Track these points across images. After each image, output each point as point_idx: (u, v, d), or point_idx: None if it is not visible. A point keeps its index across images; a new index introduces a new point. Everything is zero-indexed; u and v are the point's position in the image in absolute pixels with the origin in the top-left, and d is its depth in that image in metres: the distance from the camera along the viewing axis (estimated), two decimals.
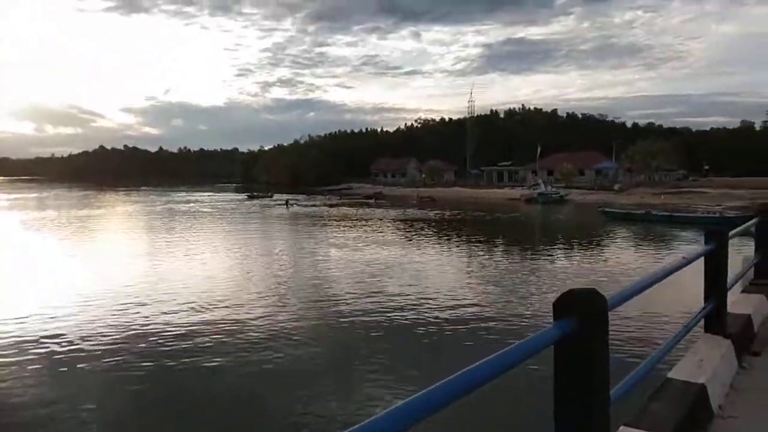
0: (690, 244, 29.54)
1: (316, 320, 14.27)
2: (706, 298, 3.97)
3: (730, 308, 4.66)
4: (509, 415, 8.21)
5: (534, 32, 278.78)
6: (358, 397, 9.42)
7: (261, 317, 14.39)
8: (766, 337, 4.55)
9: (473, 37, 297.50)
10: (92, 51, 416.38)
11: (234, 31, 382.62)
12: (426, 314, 14.55)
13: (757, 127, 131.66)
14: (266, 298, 16.81)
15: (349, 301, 16.15)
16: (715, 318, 3.94)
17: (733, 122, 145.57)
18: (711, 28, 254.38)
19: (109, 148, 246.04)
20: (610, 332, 2.10)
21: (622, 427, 2.63)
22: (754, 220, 5.94)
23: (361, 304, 15.67)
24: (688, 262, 3.21)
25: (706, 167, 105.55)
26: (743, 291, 5.50)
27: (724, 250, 3.97)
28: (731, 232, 4.29)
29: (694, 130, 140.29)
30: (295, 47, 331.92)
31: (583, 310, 1.91)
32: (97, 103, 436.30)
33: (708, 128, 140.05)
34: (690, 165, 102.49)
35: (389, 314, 14.56)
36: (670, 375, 3.28)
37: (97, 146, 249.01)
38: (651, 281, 2.78)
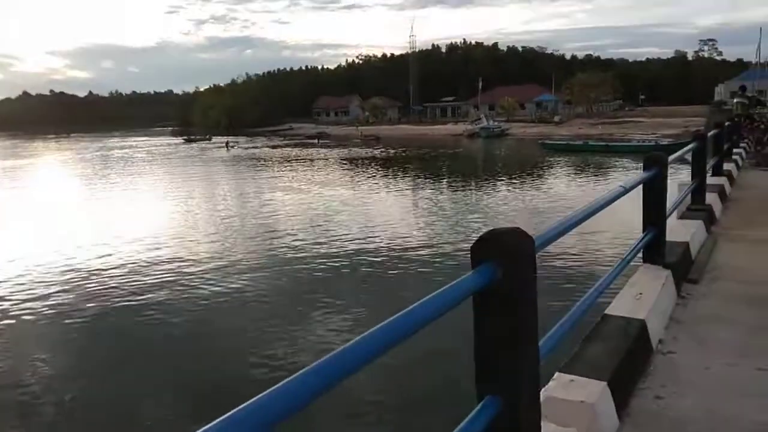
0: (627, 172, 30.34)
1: (263, 263, 13.87)
2: (645, 227, 3.76)
3: (668, 236, 4.50)
4: (427, 376, 7.46)
5: None
6: (306, 336, 9.28)
7: (208, 263, 13.80)
8: (703, 264, 4.43)
9: None
10: None
11: None
12: (371, 253, 14.32)
13: (690, 56, 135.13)
14: (213, 244, 16.13)
15: (295, 243, 15.70)
16: (654, 248, 3.74)
17: (667, 53, 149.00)
18: None
19: (34, 93, 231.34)
20: (542, 272, 1.78)
21: (557, 374, 2.38)
22: (690, 146, 5.78)
23: (308, 246, 15.31)
24: (626, 190, 2.93)
25: (642, 97, 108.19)
26: (680, 218, 5.38)
27: (664, 177, 3.74)
28: (670, 158, 4.07)
29: (630, 60, 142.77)
30: None
31: (506, 253, 1.56)
32: (16, 46, 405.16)
33: (644, 59, 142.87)
34: (627, 95, 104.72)
35: (336, 255, 14.28)
36: (607, 311, 3.06)
37: (20, 92, 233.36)
38: (585, 215, 2.48)
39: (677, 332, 3.20)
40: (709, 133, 7.01)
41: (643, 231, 3.73)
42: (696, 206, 5.84)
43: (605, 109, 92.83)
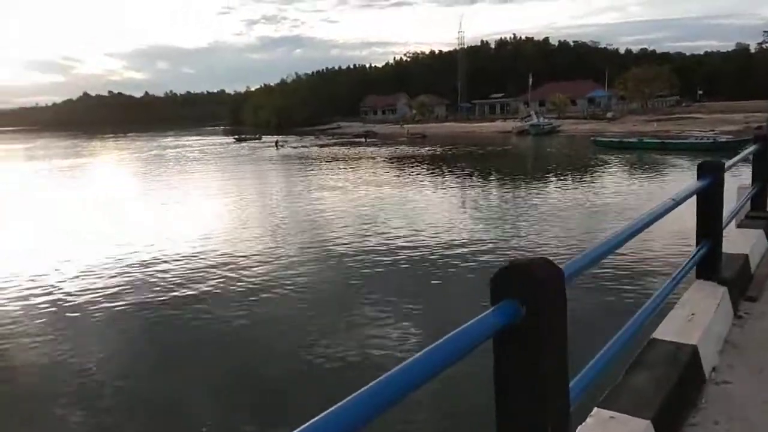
0: (683, 171, 29.17)
1: (310, 261, 14.06)
2: (699, 239, 3.48)
3: (724, 248, 4.19)
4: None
5: None
6: (357, 334, 9.37)
7: (259, 261, 14.15)
8: (763, 278, 4.09)
9: None
10: None
11: None
12: (420, 253, 14.29)
13: (752, 49, 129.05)
14: (263, 242, 16.45)
15: (344, 242, 15.85)
16: (708, 262, 3.46)
17: (727, 46, 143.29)
18: None
19: (93, 94, 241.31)
20: (577, 294, 1.59)
21: (595, 410, 2.18)
22: (751, 148, 5.39)
23: (357, 245, 15.44)
24: (676, 203, 2.68)
25: (700, 92, 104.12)
26: (739, 226, 5.02)
27: (720, 186, 3.45)
28: (727, 164, 3.76)
29: (687, 54, 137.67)
30: None
31: (531, 288, 1.39)
32: (78, 49, 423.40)
33: (702, 52, 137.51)
34: (684, 91, 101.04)
35: (384, 253, 14.34)
36: (654, 335, 2.82)
37: (81, 93, 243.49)
38: (626, 236, 2.25)
39: (733, 359, 2.93)
40: None
41: (697, 244, 3.46)
42: (756, 213, 5.44)
43: (661, 105, 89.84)
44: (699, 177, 3.39)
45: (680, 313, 3.09)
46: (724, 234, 4.02)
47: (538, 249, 14.23)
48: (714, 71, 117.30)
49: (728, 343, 3.13)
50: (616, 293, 9.97)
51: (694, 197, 3.34)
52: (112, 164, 54.54)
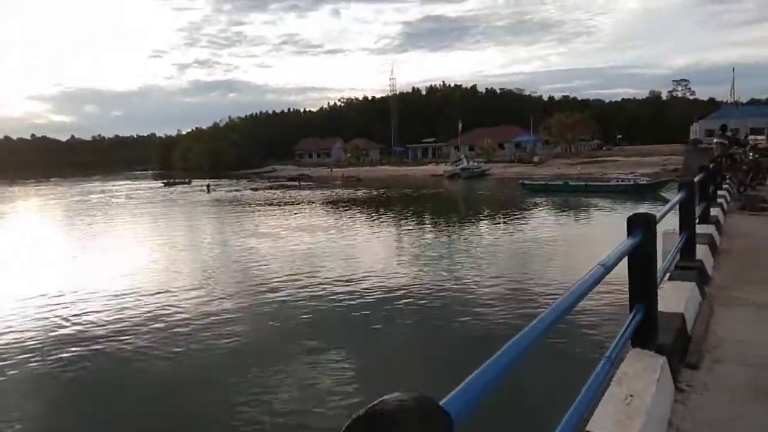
0: (608, 213, 30.02)
1: (246, 308, 13.60)
2: (633, 304, 3.09)
3: (658, 306, 3.86)
4: None
5: (451, 9, 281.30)
6: (295, 383, 9.21)
7: (189, 309, 13.50)
8: (701, 339, 3.75)
9: (393, 15, 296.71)
10: None
11: (145, 10, 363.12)
12: (356, 297, 14.08)
13: (664, 96, 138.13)
14: (192, 291, 15.53)
15: (278, 289, 15.32)
16: (645, 328, 3.07)
17: (642, 93, 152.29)
18: (618, 4, 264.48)
19: (14, 138, 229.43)
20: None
21: None
22: (678, 196, 5.20)
23: (291, 291, 14.99)
24: (606, 269, 2.27)
25: (619, 136, 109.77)
26: (669, 278, 4.74)
27: (653, 242, 3.10)
28: (658, 215, 3.44)
29: (606, 101, 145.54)
30: (210, 26, 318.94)
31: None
32: None
33: (619, 99, 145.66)
34: (604, 135, 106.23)
35: (321, 299, 14.06)
36: (590, 428, 2.35)
37: (1, 137, 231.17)
38: (560, 311, 1.81)
39: None
40: (696, 178, 6.45)
41: (630, 309, 3.07)
42: (686, 263, 5.21)
43: (583, 149, 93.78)
44: (630, 233, 3.02)
45: (617, 393, 2.66)
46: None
47: (468, 291, 14.29)
48: (631, 117, 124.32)
49: (671, 426, 2.71)
50: (545, 382, 7.68)
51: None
52: (29, 212, 51.28)
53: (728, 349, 3.60)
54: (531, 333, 1.66)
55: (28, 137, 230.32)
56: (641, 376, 2.84)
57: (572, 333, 9.73)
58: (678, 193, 5.33)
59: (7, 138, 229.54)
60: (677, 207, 5.38)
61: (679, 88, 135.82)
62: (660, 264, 4.50)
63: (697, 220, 7.26)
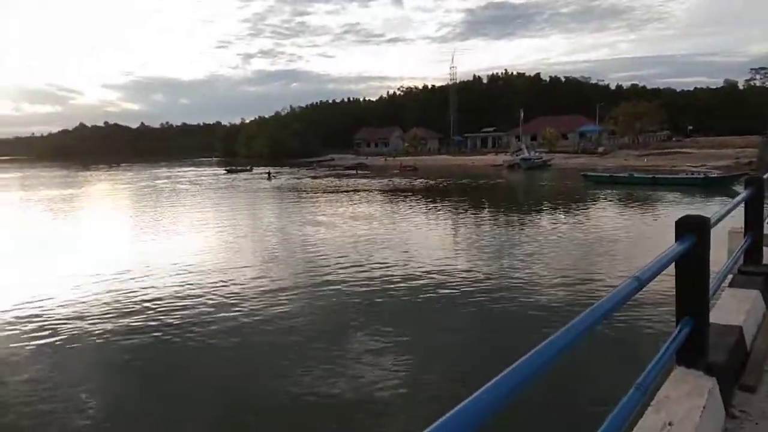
0: (675, 207, 28.62)
1: (307, 294, 13.82)
2: (679, 317, 2.74)
3: (712, 316, 3.46)
4: None
5: None
6: (348, 369, 9.31)
7: (251, 294, 13.81)
8: (762, 357, 3.34)
9: (455, 2, 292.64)
10: (68, 26, 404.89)
11: (212, 1, 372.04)
12: (413, 287, 14.12)
13: (741, 86, 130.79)
14: (255, 277, 15.80)
15: (335, 276, 15.48)
16: (692, 345, 2.72)
17: (716, 82, 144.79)
18: None
19: (89, 125, 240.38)
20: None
21: None
22: (743, 194, 4.71)
23: (350, 278, 15.20)
24: (640, 283, 1.96)
25: (690, 127, 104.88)
26: (731, 284, 4.29)
27: (705, 248, 2.73)
28: (713, 218, 3.06)
29: (677, 90, 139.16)
30: (274, 17, 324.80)
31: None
32: (75, 80, 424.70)
33: (692, 88, 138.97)
34: (674, 126, 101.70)
35: (377, 287, 14.18)
36: None
37: (77, 124, 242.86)
38: (576, 332, 1.55)
39: None
40: (765, 175, 5.87)
41: (677, 323, 2.72)
42: (750, 268, 4.72)
43: (651, 140, 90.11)
44: (678, 237, 2.67)
45: (654, 421, 2.34)
46: (712, 300, 3.31)
47: (522, 284, 14.19)
48: (704, 107, 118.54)
49: None
50: (569, 407, 7.44)
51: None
52: (99, 195, 53.63)
53: None
54: (536, 358, 1.41)
55: (101, 124, 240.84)
56: (685, 400, 2.50)
57: (607, 348, 8.79)
58: (744, 190, 4.82)
59: (82, 125, 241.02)
60: (743, 205, 4.89)
61: (758, 76, 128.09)
62: (721, 268, 4.08)
63: (766, 220, 6.66)
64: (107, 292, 14.31)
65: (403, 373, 9.10)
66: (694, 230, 2.68)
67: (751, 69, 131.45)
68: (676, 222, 2.73)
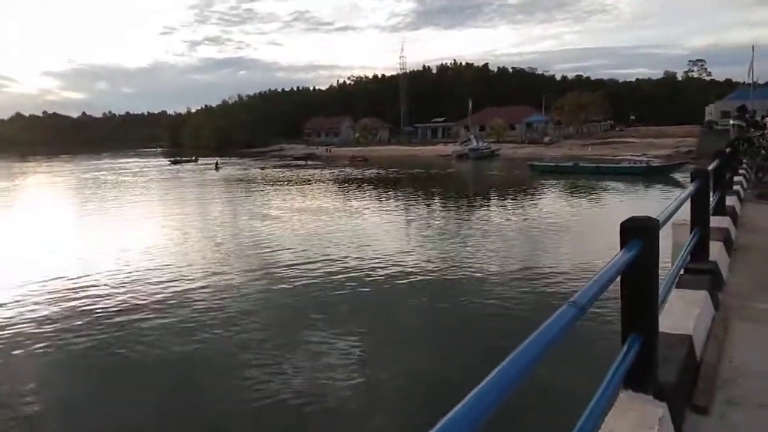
0: (618, 195, 29.16)
1: (256, 285, 13.63)
2: (626, 334, 2.39)
3: (660, 324, 3.16)
4: None
5: None
6: (303, 366, 9.10)
7: (198, 291, 13.33)
8: (712, 370, 3.05)
9: None
10: (3, 10, 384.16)
11: None
12: (364, 277, 14.08)
13: (680, 77, 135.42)
14: (202, 273, 15.17)
15: (288, 269, 15.15)
16: (640, 367, 2.38)
17: (657, 74, 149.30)
18: None
19: (26, 114, 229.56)
20: None
21: None
22: (690, 188, 4.46)
23: (301, 271, 14.85)
24: (579, 309, 1.58)
25: (632, 117, 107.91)
26: (677, 286, 4.02)
27: (652, 255, 2.39)
28: (661, 218, 2.73)
29: (620, 81, 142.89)
30: (221, 3, 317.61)
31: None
32: (11, 67, 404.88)
33: (633, 79, 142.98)
34: (617, 116, 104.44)
35: (329, 278, 14.02)
36: None
37: (12, 113, 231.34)
38: (506, 383, 1.15)
39: None
40: (710, 167, 5.69)
41: (623, 342, 2.37)
42: (697, 265, 4.48)
43: (596, 130, 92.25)
44: (624, 243, 2.32)
45: None
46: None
47: (473, 273, 14.28)
48: (645, 97, 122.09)
49: None
50: None
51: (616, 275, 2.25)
52: (33, 188, 51.00)
53: (747, 384, 2.89)
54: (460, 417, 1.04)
55: (40, 114, 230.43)
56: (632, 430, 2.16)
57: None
58: (691, 184, 4.58)
59: (18, 115, 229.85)
60: (690, 201, 4.65)
61: (695, 68, 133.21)
62: (669, 268, 3.80)
63: (711, 212, 6.52)
64: (43, 292, 13.48)
65: (353, 370, 8.90)
66: (641, 235, 2.33)
67: (689, 61, 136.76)
68: (620, 225, 2.38)
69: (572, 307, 1.56)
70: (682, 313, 3.39)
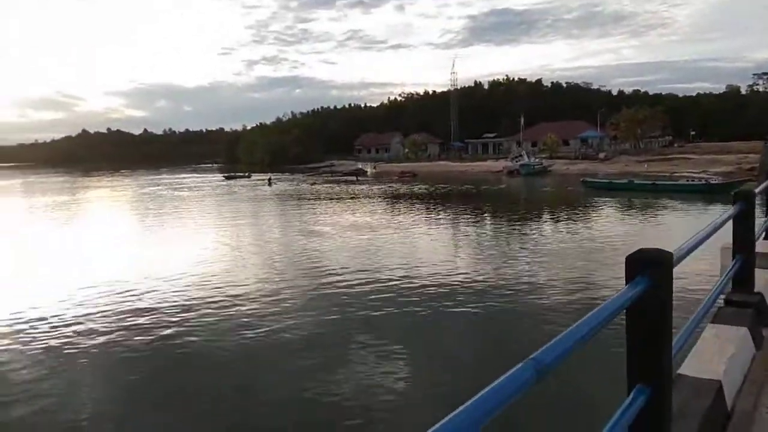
0: (674, 214, 27.98)
1: (311, 301, 13.62)
2: (632, 383, 2.09)
3: (687, 366, 2.83)
4: None
5: (518, 2, 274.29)
6: (354, 380, 9.10)
7: (250, 305, 13.38)
8: (745, 422, 2.68)
9: (458, 9, 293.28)
10: (73, 33, 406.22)
11: (215, 9, 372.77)
12: (412, 294, 13.92)
13: (743, 91, 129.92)
14: (254, 288, 15.25)
15: (341, 283, 15.26)
16: (650, 422, 2.06)
17: (718, 88, 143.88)
18: None
19: (92, 131, 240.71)
20: None
21: None
22: (731, 210, 4.06)
23: (354, 287, 14.81)
24: (539, 371, 1.32)
25: (693, 133, 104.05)
26: (713, 320, 3.63)
27: (665, 294, 2.08)
28: (677, 253, 2.42)
29: (680, 96, 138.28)
30: (278, 24, 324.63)
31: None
32: (79, 87, 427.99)
33: (695, 94, 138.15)
34: (677, 131, 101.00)
35: (377, 294, 13.96)
36: None
37: (80, 130, 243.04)
38: None
39: None
40: (758, 189, 5.23)
41: (629, 390, 2.07)
42: (739, 296, 4.06)
43: (653, 146, 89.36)
44: (629, 278, 2.03)
45: None
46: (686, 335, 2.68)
47: (521, 292, 14.05)
48: (706, 112, 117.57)
49: None
50: None
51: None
52: (95, 202, 53.05)
53: None
54: None
55: (104, 131, 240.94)
56: None
57: None
58: (733, 205, 4.17)
59: (85, 131, 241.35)
60: (733, 224, 4.24)
61: (761, 81, 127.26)
62: (705, 297, 3.42)
63: (763, 236, 6.01)
64: (99, 303, 13.75)
65: (405, 384, 8.96)
66: (649, 271, 2.03)
67: (754, 74, 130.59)
68: (626, 258, 2.09)
69: (532, 366, 1.31)
70: (713, 353, 3.03)
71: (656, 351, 2.09)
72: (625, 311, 1.98)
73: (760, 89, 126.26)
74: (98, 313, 12.96)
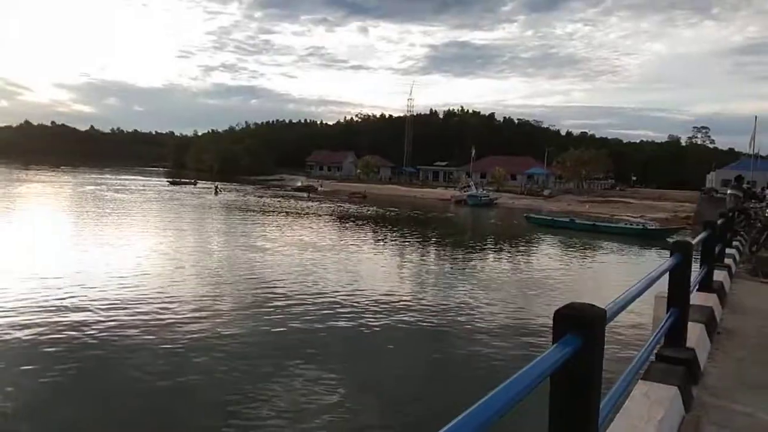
0: (611, 256, 28.66)
1: (244, 316, 13.22)
2: None
3: (614, 427, 2.63)
4: None
5: (478, 37, 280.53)
6: (283, 399, 8.92)
7: (183, 316, 12.92)
8: None
9: (420, 37, 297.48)
10: (24, 20, 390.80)
11: (177, 11, 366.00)
12: (354, 317, 13.82)
13: (683, 142, 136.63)
14: (190, 300, 14.62)
15: (279, 300, 14.99)
16: None
17: (661, 137, 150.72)
18: (645, 46, 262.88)
19: (35, 123, 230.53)
20: None
21: None
22: (669, 260, 3.94)
23: (289, 303, 14.63)
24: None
25: (634, 178, 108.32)
26: (644, 377, 3.46)
27: (595, 355, 1.86)
28: (612, 308, 2.21)
29: (624, 141, 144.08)
30: (240, 32, 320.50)
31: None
32: (26, 76, 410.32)
33: (638, 140, 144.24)
34: (619, 175, 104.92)
35: (317, 314, 13.75)
36: None
37: (22, 121, 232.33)
38: None
39: None
40: (695, 240, 5.19)
41: None
42: (670, 352, 3.93)
43: (596, 187, 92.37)
44: (557, 337, 1.80)
45: None
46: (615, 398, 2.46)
47: (463, 320, 14.14)
48: (648, 159, 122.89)
49: None
50: None
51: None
52: (31, 198, 50.43)
53: None
54: None
55: (49, 124, 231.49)
56: None
57: None
58: (670, 257, 4.06)
59: (27, 123, 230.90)
60: (669, 276, 4.12)
61: (699, 135, 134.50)
62: (637, 353, 3.25)
63: (696, 287, 6.00)
64: (23, 308, 12.85)
65: (332, 406, 8.77)
66: (580, 330, 1.80)
67: (694, 127, 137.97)
68: (555, 314, 1.85)
69: None
70: (641, 416, 2.83)
71: (583, 418, 1.86)
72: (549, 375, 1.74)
73: (699, 142, 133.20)
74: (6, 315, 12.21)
